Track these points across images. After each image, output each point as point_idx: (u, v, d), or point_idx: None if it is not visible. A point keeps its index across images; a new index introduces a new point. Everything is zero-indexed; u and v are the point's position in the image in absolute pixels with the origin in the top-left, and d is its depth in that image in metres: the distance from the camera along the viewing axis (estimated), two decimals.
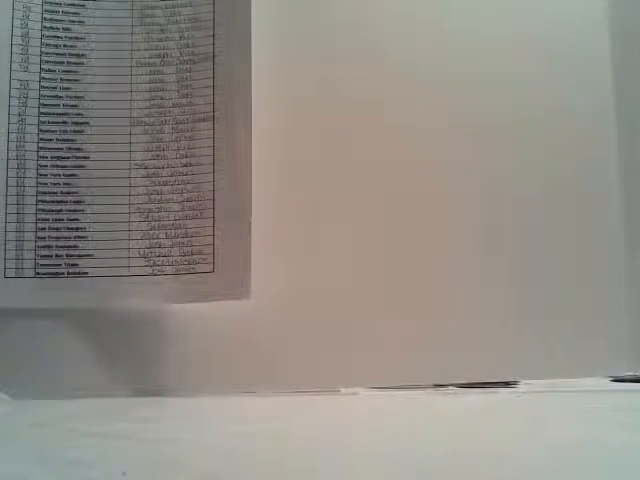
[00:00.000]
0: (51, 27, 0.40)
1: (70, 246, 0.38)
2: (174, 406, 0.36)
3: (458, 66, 0.41)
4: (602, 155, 0.40)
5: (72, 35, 0.40)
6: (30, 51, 0.39)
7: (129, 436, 0.30)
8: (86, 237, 0.38)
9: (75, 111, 0.39)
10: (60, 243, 0.38)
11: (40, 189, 0.38)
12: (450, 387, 0.38)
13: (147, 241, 0.38)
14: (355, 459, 0.26)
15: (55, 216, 0.38)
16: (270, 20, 0.40)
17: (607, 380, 0.38)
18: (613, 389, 0.38)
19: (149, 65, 0.40)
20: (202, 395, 0.37)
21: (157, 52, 0.40)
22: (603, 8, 0.41)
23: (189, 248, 0.38)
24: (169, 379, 0.38)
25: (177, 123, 0.40)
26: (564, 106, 0.41)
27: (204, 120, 0.39)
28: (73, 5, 0.40)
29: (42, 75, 0.39)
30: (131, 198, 0.39)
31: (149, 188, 0.39)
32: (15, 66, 0.39)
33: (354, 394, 0.38)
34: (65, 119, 0.39)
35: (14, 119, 0.39)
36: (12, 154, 0.38)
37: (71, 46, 0.40)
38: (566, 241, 0.40)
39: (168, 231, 0.39)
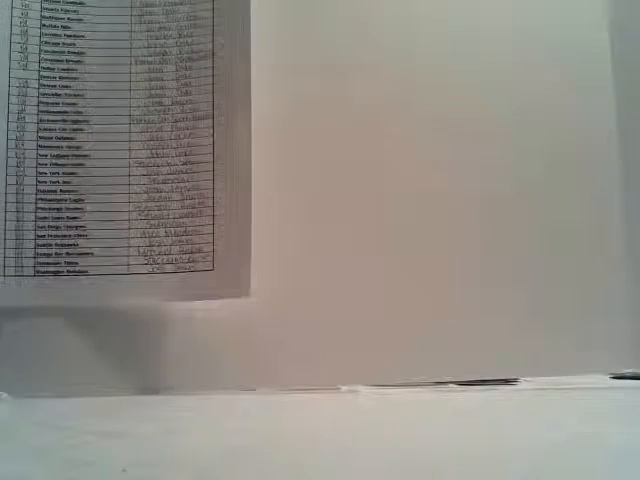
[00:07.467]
0: (50, 25, 0.40)
1: (70, 244, 0.38)
2: (174, 404, 0.36)
3: (458, 65, 0.41)
4: (602, 154, 0.41)
5: (71, 33, 0.40)
6: (29, 49, 0.39)
7: (129, 434, 0.30)
8: (86, 235, 0.38)
9: (74, 109, 0.39)
10: (60, 242, 0.38)
11: (39, 187, 0.38)
12: (450, 385, 0.38)
13: (147, 239, 0.38)
14: (355, 457, 0.26)
15: (55, 215, 0.38)
16: (270, 19, 0.40)
17: (607, 377, 0.38)
18: (613, 386, 0.38)
19: (148, 63, 0.40)
20: (202, 393, 0.37)
21: (156, 50, 0.40)
22: (603, 7, 0.42)
23: (189, 246, 0.38)
24: (169, 377, 0.38)
25: (177, 121, 0.39)
26: (564, 105, 0.41)
27: (204, 118, 0.39)
28: (72, 3, 0.40)
29: (41, 73, 0.39)
30: (131, 196, 0.39)
31: (149, 186, 0.39)
32: (14, 64, 0.39)
33: (354, 392, 0.38)
34: (64, 117, 0.39)
35: (13, 117, 0.38)
36: (11, 152, 0.38)
37: (70, 44, 0.40)
38: (566, 241, 0.40)
39: (168, 229, 0.38)
